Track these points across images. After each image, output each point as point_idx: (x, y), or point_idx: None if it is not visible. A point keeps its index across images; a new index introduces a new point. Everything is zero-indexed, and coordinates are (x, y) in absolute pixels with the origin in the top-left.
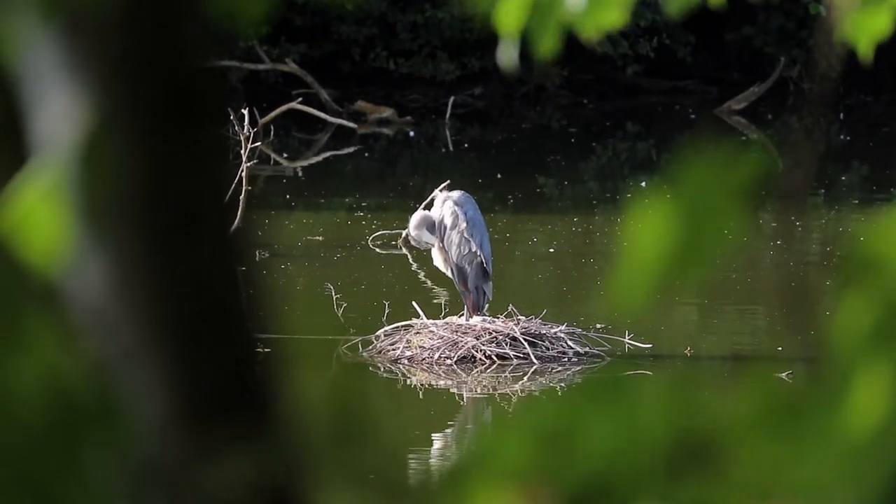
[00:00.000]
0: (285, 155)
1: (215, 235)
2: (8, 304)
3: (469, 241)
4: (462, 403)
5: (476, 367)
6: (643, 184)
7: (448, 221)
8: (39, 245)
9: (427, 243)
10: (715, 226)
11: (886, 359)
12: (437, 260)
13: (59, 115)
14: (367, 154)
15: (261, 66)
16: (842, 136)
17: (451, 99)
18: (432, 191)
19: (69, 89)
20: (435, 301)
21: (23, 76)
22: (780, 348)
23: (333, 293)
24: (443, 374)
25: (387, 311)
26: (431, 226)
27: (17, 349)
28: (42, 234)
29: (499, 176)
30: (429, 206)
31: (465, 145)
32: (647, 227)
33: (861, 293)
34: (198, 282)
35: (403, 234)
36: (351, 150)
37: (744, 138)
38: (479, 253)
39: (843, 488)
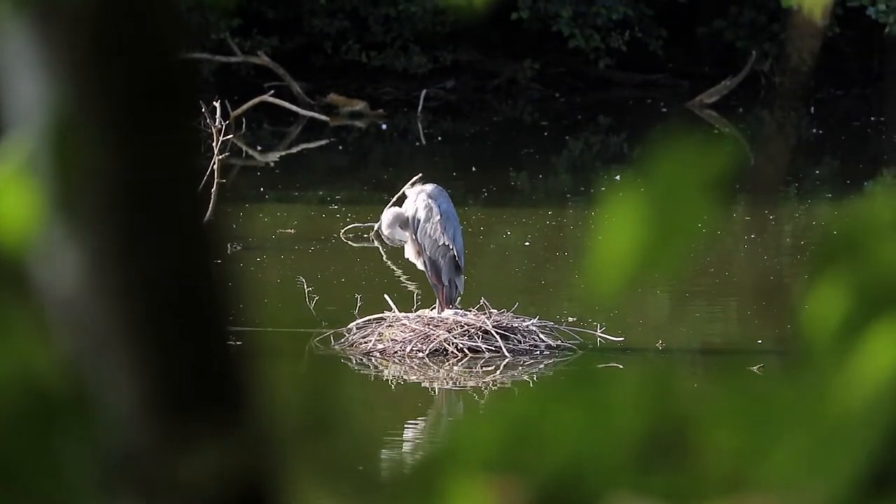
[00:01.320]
0: (258, 148)
1: (188, 226)
2: None
3: (442, 234)
4: (434, 396)
5: (448, 360)
6: (618, 177)
7: (422, 214)
8: (11, 233)
9: (400, 240)
10: (686, 218)
11: (860, 346)
12: (410, 253)
13: (31, 102)
14: (339, 147)
15: (233, 59)
16: (813, 130)
17: (424, 92)
18: (405, 184)
19: (41, 77)
20: (407, 294)
21: None
22: (759, 341)
23: (305, 286)
24: (415, 367)
25: (359, 304)
26: (404, 223)
27: None
28: (14, 222)
29: (472, 169)
30: (400, 201)
31: (438, 138)
32: (618, 219)
33: (833, 280)
34: (170, 273)
35: (375, 228)
36: (323, 142)
37: (715, 132)
38: (451, 246)
39: (814, 479)
